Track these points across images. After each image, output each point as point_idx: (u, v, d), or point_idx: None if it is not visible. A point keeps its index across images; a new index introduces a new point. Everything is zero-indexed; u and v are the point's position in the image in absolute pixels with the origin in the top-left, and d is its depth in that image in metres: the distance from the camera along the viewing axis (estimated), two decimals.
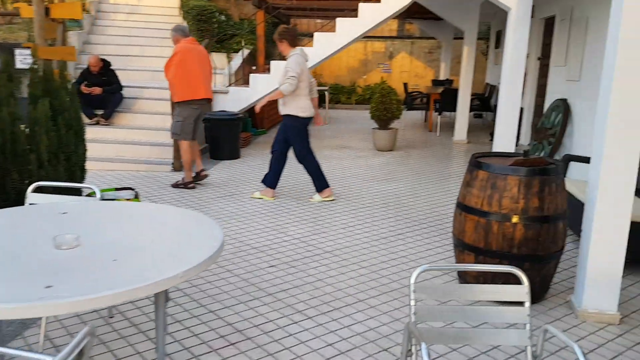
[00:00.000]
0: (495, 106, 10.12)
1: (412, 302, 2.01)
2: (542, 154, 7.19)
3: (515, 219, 3.29)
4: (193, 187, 6.26)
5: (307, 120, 5.62)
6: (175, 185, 6.28)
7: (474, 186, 3.48)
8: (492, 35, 14.47)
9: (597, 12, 6.27)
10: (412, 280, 2.04)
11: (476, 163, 3.50)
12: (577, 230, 4.39)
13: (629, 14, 2.93)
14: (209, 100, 6.22)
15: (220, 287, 3.63)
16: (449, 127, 11.88)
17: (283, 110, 5.58)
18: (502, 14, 12.29)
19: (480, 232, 3.41)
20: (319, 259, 4.18)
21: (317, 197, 5.86)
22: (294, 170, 7.45)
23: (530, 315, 2.04)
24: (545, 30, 8.94)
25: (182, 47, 5.96)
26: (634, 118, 3.01)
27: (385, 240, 4.64)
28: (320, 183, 5.79)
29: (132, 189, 4.70)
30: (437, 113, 11.29)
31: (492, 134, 10.20)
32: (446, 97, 10.89)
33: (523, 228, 3.29)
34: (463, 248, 3.55)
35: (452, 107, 10.71)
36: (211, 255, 2.05)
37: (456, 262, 3.73)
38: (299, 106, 5.50)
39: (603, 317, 3.20)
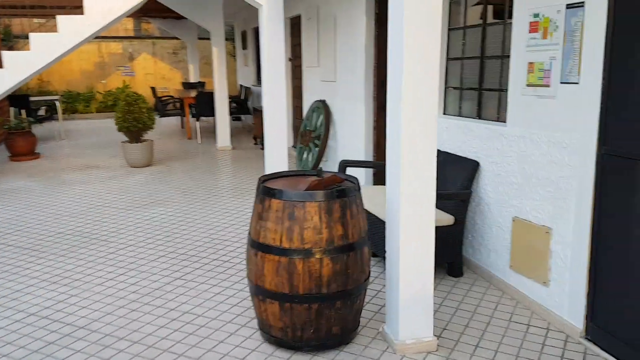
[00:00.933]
0: (255, 109, 9.80)
1: None
2: (310, 157, 7.03)
3: (320, 254, 2.75)
4: None
5: None
6: None
7: (268, 219, 2.82)
8: (237, 35, 14.25)
9: (345, 11, 6.28)
10: None
11: (267, 190, 2.85)
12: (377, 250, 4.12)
13: (410, 19, 2.62)
14: None
15: None
16: (210, 132, 11.18)
17: None
18: (244, 14, 12.08)
19: (283, 275, 2.78)
20: (70, 342, 3.03)
21: None
22: (30, 209, 5.81)
23: None
24: (292, 30, 8.89)
25: None
26: (427, 124, 2.73)
27: (161, 293, 3.69)
28: None
29: None
30: (194, 118, 10.48)
31: (255, 138, 9.86)
32: (202, 101, 10.17)
33: (330, 262, 2.77)
34: (264, 296, 2.87)
35: (210, 111, 10.05)
36: None
37: (256, 313, 3.04)
38: None
39: (421, 346, 2.90)
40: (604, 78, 2.77)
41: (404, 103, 2.69)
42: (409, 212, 2.78)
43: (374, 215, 3.93)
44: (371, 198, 4.19)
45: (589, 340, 2.96)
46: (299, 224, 2.75)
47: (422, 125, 2.72)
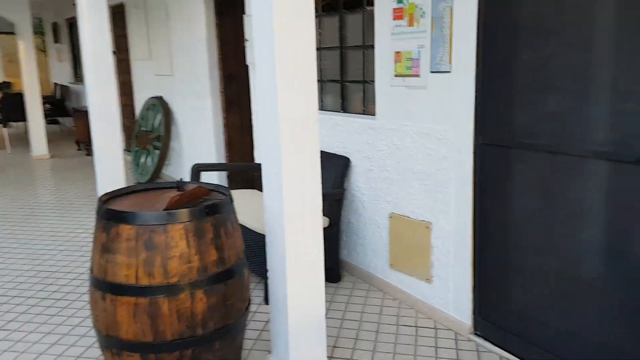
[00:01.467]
0: (75, 109, 8.57)
1: None
2: (149, 162, 6.26)
3: (190, 288, 2.22)
4: None
5: None
6: None
7: (117, 251, 2.20)
8: (47, 28, 12.50)
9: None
10: None
11: (112, 214, 2.23)
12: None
13: (280, 8, 2.22)
14: None
15: None
16: (22, 140, 9.56)
17: None
18: (54, 3, 10.57)
19: (144, 320, 2.20)
20: None
21: None
22: None
23: None
24: (115, 20, 7.91)
25: None
26: (309, 119, 2.36)
27: None
28: None
29: None
30: (0, 125, 8.87)
31: (79, 143, 8.65)
32: (8, 104, 8.71)
33: (205, 296, 2.26)
34: (119, 349, 2.26)
35: (20, 115, 8.57)
36: None
37: None
38: None
39: None
40: (477, 66, 2.67)
41: (281, 98, 2.28)
42: (294, 220, 2.39)
43: (243, 226, 3.46)
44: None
45: (479, 335, 2.88)
46: (160, 254, 2.18)
47: (304, 120, 2.34)
